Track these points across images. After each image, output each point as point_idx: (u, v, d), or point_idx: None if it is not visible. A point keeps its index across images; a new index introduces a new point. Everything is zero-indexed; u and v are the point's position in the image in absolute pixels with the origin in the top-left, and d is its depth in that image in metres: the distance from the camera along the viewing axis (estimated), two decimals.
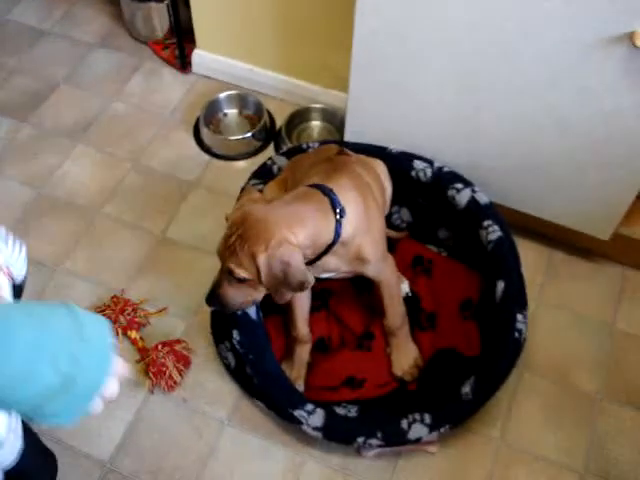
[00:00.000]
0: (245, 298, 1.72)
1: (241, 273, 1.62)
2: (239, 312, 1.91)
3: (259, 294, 1.72)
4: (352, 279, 2.10)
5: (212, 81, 2.86)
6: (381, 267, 1.93)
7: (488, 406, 1.98)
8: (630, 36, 1.66)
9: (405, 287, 2.17)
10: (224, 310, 1.76)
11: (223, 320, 2.02)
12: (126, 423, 2.04)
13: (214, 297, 1.72)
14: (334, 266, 1.82)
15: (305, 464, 1.98)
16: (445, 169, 2.18)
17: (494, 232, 2.08)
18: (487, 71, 1.92)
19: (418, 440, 1.87)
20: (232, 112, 2.75)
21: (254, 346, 1.93)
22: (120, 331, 2.15)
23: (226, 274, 1.66)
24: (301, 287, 1.65)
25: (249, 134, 2.60)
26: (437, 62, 1.96)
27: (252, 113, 2.73)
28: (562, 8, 1.70)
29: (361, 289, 2.05)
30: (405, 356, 2.06)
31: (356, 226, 1.76)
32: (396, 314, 2.04)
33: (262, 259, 1.59)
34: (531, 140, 2.04)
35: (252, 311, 1.96)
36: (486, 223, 2.10)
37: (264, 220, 1.61)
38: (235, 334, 1.93)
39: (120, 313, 2.17)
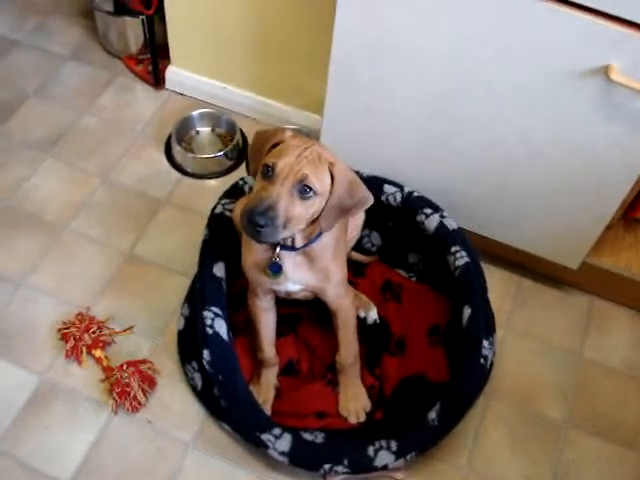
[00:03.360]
0: (299, 215, 1.64)
1: (315, 183, 1.62)
2: (209, 329, 1.90)
3: (310, 215, 1.67)
4: (317, 310, 2.09)
5: (185, 98, 2.84)
6: (341, 293, 1.94)
7: (455, 433, 1.97)
8: (605, 70, 1.68)
9: (373, 314, 2.16)
10: (268, 226, 1.59)
11: (192, 340, 1.99)
12: (88, 444, 1.99)
13: (268, 207, 1.58)
14: (304, 277, 1.85)
15: None
16: (415, 194, 2.18)
17: (462, 258, 2.08)
18: (461, 97, 1.93)
19: (385, 467, 1.86)
20: (204, 130, 2.73)
21: (224, 367, 1.90)
22: (84, 349, 2.11)
23: (288, 187, 1.60)
24: (363, 204, 1.72)
25: (221, 153, 2.58)
26: (411, 87, 1.97)
27: (225, 132, 2.71)
28: (538, 38, 1.71)
29: (327, 322, 2.04)
30: (353, 397, 2.03)
31: (329, 244, 1.82)
32: (349, 350, 2.02)
33: (339, 170, 1.66)
34: (502, 167, 2.05)
35: (223, 330, 1.94)
36: (454, 249, 2.10)
37: (324, 151, 1.68)
38: (205, 354, 1.90)
39: (85, 331, 2.12)
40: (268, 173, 1.63)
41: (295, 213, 1.62)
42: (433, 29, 1.81)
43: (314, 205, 1.65)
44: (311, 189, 1.62)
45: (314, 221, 1.71)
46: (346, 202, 1.68)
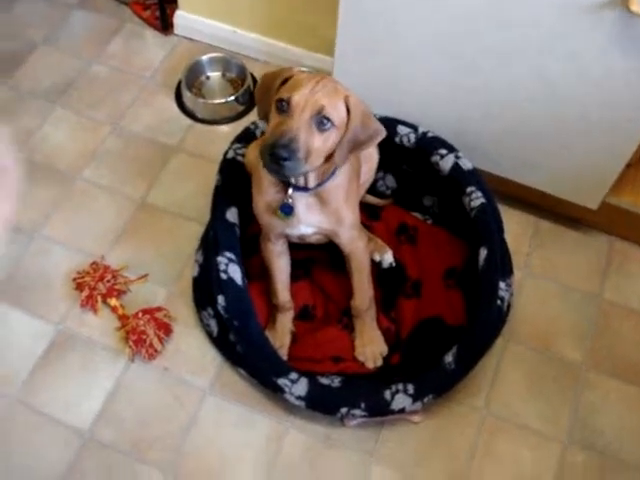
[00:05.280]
0: (319, 147, 1.63)
1: (333, 114, 1.61)
2: (224, 275, 1.89)
3: (327, 148, 1.65)
4: (332, 254, 2.07)
5: (194, 43, 2.79)
6: (354, 236, 1.92)
7: (472, 376, 1.97)
8: (625, 0, 1.62)
9: (388, 258, 2.13)
10: (291, 159, 1.57)
11: (207, 286, 1.98)
12: (106, 392, 2.00)
13: (289, 140, 1.57)
14: (316, 220, 1.84)
15: (288, 433, 1.96)
16: (429, 134, 2.14)
17: (477, 198, 2.04)
18: (476, 34, 1.87)
19: (402, 410, 1.85)
20: (215, 75, 2.68)
21: (239, 312, 1.89)
22: (100, 298, 2.11)
23: (306, 119, 1.59)
24: (376, 136, 1.70)
25: (232, 98, 2.54)
26: (425, 23, 1.91)
27: (235, 76, 2.67)
28: None
29: (342, 266, 2.02)
30: (369, 342, 2.03)
31: (342, 184, 1.81)
32: (364, 295, 2.01)
33: (354, 101, 1.64)
34: (519, 106, 2.00)
35: (237, 276, 1.92)
36: (469, 189, 2.06)
37: (336, 83, 1.67)
38: (220, 299, 1.89)
39: (99, 280, 2.12)
40: (283, 107, 1.61)
41: (315, 145, 1.61)
42: None
43: (331, 137, 1.63)
44: (329, 120, 1.60)
45: (328, 158, 1.68)
46: (360, 135, 1.67)
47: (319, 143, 1.61)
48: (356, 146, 1.68)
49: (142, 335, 2.02)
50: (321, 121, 1.60)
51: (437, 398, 1.91)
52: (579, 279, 2.25)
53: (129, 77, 2.70)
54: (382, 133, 1.71)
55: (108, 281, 2.13)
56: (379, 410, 1.86)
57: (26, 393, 2.00)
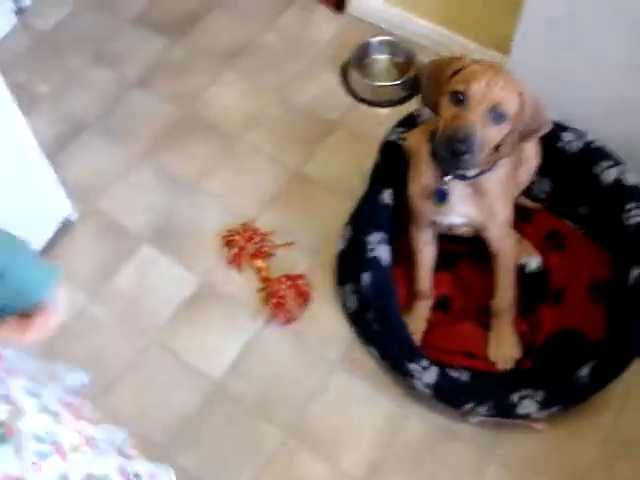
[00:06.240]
0: (492, 140, 1.66)
1: (509, 107, 1.63)
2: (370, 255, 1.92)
3: (499, 140, 1.68)
4: (478, 249, 2.06)
5: (365, 24, 2.81)
6: (504, 234, 1.93)
7: (602, 393, 1.92)
8: None
9: (535, 262, 2.12)
10: (468, 153, 1.61)
11: (352, 262, 2.02)
12: (241, 347, 2.09)
13: (467, 134, 1.60)
14: (468, 210, 1.85)
15: (407, 418, 1.98)
16: (595, 144, 2.09)
17: (637, 216, 1.99)
18: None
19: (527, 416, 1.85)
20: (382, 58, 2.71)
21: (381, 292, 1.93)
22: (247, 258, 2.19)
23: (482, 113, 1.62)
24: (543, 128, 1.72)
25: (398, 82, 2.56)
26: (609, 34, 1.87)
27: (402, 61, 2.68)
28: None
29: (487, 262, 2.02)
30: (503, 343, 2.01)
31: (500, 179, 1.82)
32: (505, 295, 2.00)
33: (528, 96, 1.65)
34: None
35: (385, 257, 1.96)
36: (629, 205, 2.01)
37: (511, 76, 1.67)
38: (365, 277, 1.93)
39: (248, 240, 2.21)
40: (459, 99, 1.62)
41: (489, 138, 1.63)
42: None
43: (504, 130, 1.65)
44: (504, 114, 1.62)
45: (494, 149, 1.69)
46: (529, 127, 1.68)
47: (493, 135, 1.63)
48: (523, 137, 1.70)
49: (282, 299, 2.09)
50: (497, 115, 1.61)
51: (565, 410, 1.88)
52: None
53: (299, 49, 2.76)
54: (548, 126, 1.72)
55: (256, 243, 2.21)
56: (505, 411, 1.86)
57: (165, 336, 2.12)
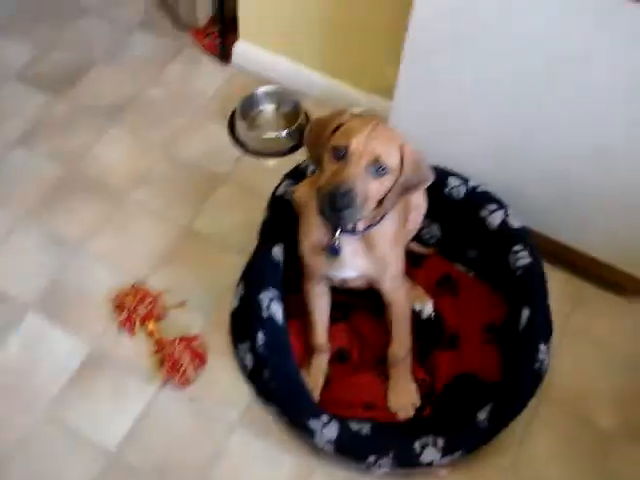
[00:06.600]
0: (374, 194, 1.65)
1: (390, 160, 1.63)
2: (265, 311, 1.89)
3: (382, 193, 1.68)
4: (372, 300, 2.07)
5: (251, 74, 2.81)
6: (397, 285, 1.94)
7: (501, 435, 1.94)
8: None
9: (429, 309, 2.14)
10: (350, 208, 1.61)
11: (246, 320, 1.99)
12: (135, 414, 2.01)
13: (348, 189, 1.59)
14: (361, 264, 1.85)
15: (312, 475, 1.95)
16: (479, 189, 2.14)
17: (523, 258, 2.04)
18: (548, 91, 1.88)
19: (430, 464, 1.84)
20: (269, 108, 2.71)
21: (277, 350, 1.90)
22: (138, 321, 2.12)
23: (363, 167, 1.62)
24: (425, 182, 1.73)
25: (284, 132, 2.56)
26: (489, 82, 1.93)
27: (289, 111, 2.69)
28: (622, 37, 1.66)
29: (381, 312, 2.03)
30: (403, 392, 2.01)
31: (390, 231, 1.83)
32: (401, 344, 2.01)
33: (408, 149, 1.67)
34: (578, 171, 2.00)
35: (279, 315, 1.94)
36: (516, 248, 2.06)
37: (390, 130, 1.70)
38: (259, 336, 1.91)
39: (139, 303, 2.14)
40: (340, 155, 1.63)
41: (371, 193, 1.63)
42: (522, 16, 1.78)
43: (385, 183, 1.65)
44: (385, 167, 1.63)
45: (379, 203, 1.70)
46: (411, 180, 1.69)
47: (374, 189, 1.64)
48: (405, 191, 1.71)
49: (177, 363, 2.03)
50: (377, 168, 1.62)
51: (466, 455, 1.89)
52: (619, 344, 2.21)
53: (185, 102, 2.73)
54: (430, 179, 1.74)
55: (147, 304, 2.14)
56: (408, 461, 1.84)
57: (56, 409, 2.02)
